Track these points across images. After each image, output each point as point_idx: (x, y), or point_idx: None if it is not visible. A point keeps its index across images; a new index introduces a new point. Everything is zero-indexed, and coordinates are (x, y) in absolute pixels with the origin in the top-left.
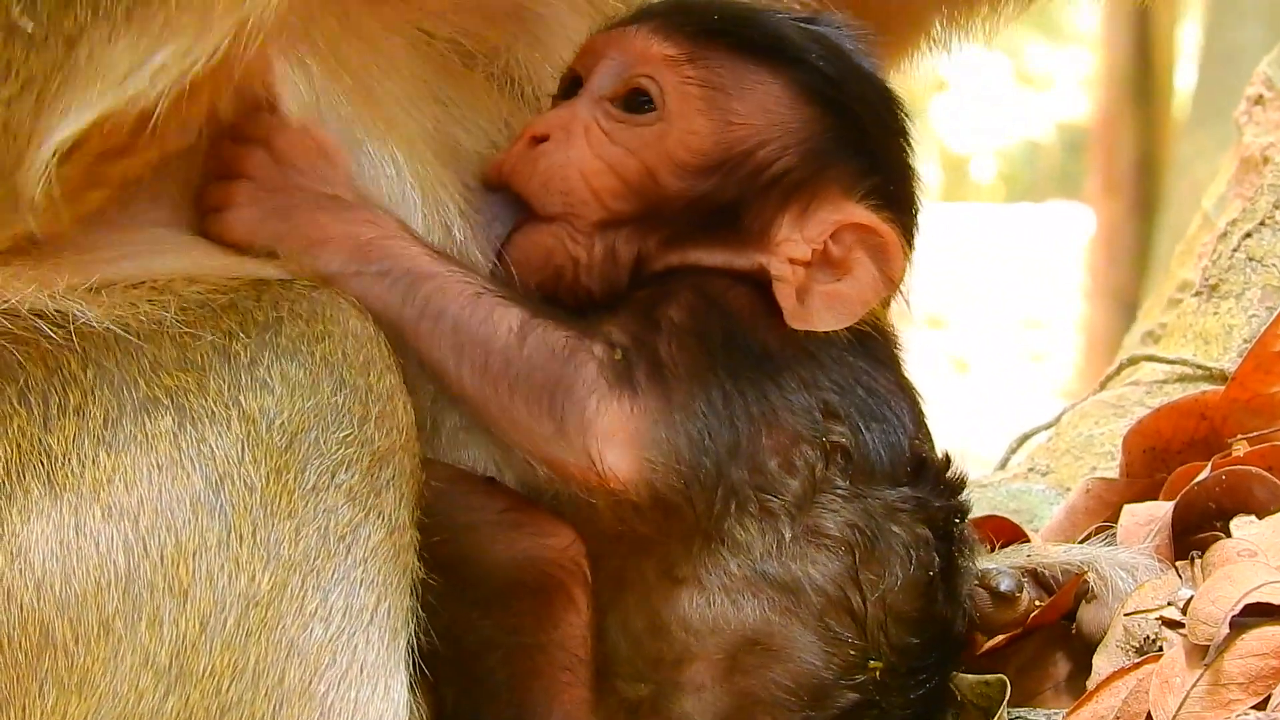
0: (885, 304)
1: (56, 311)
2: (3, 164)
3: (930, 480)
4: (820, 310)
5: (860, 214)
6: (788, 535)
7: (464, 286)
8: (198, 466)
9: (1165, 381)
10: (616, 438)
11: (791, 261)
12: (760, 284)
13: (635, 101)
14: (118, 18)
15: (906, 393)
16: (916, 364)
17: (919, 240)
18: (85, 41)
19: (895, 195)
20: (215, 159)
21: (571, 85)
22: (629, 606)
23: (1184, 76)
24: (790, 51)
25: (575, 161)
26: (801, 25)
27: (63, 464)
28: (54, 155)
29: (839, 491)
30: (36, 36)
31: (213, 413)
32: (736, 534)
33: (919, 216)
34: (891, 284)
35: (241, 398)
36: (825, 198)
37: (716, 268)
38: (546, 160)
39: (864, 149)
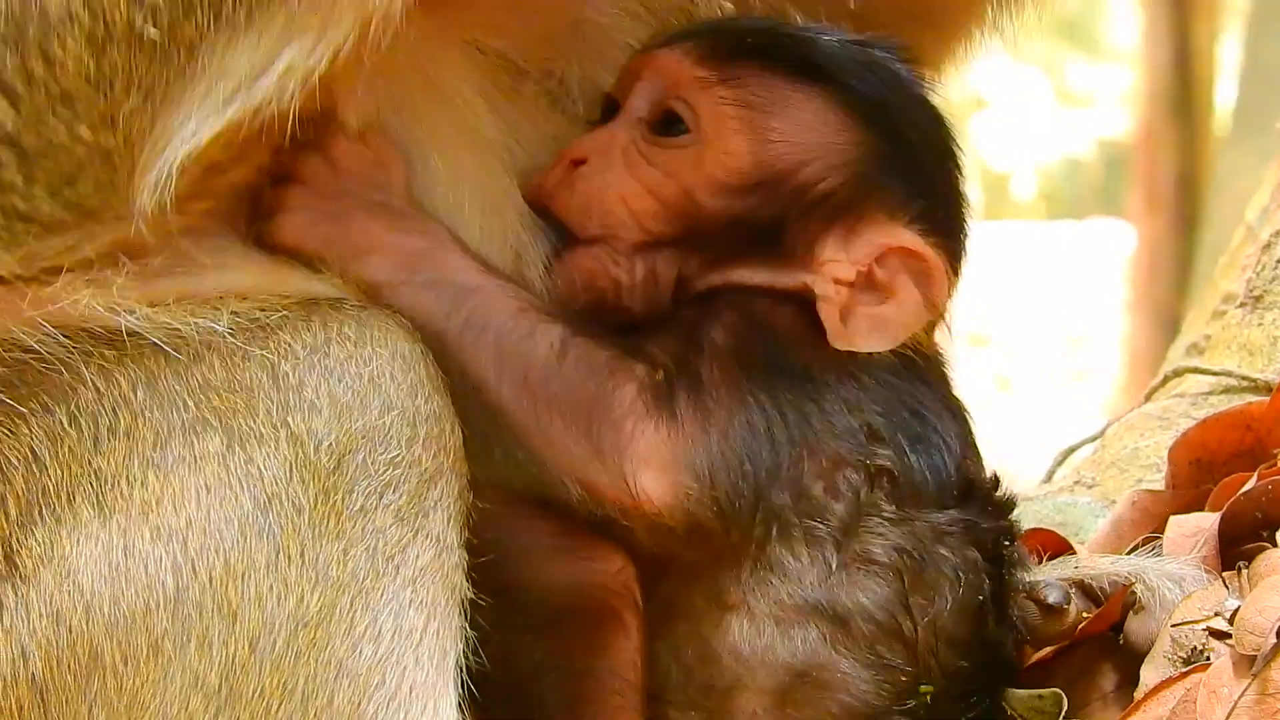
0: (930, 327)
1: (109, 329)
2: (119, 173)
3: (978, 502)
4: (863, 332)
5: (906, 238)
6: (835, 561)
7: (509, 301)
8: (246, 488)
9: (1210, 393)
10: (652, 462)
11: (836, 282)
12: (804, 304)
13: (670, 124)
14: (239, 21)
15: (954, 414)
16: (959, 382)
17: (966, 264)
18: (206, 47)
19: (942, 220)
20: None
21: (610, 108)
22: (679, 633)
23: (1224, 92)
24: (832, 71)
25: (613, 184)
26: (845, 45)
27: (112, 486)
28: (176, 165)
29: (886, 515)
30: (160, 45)
31: (261, 434)
32: (785, 561)
33: (967, 241)
34: (935, 309)
35: (289, 419)
36: (871, 220)
37: (760, 287)
38: (585, 184)
39: (911, 172)
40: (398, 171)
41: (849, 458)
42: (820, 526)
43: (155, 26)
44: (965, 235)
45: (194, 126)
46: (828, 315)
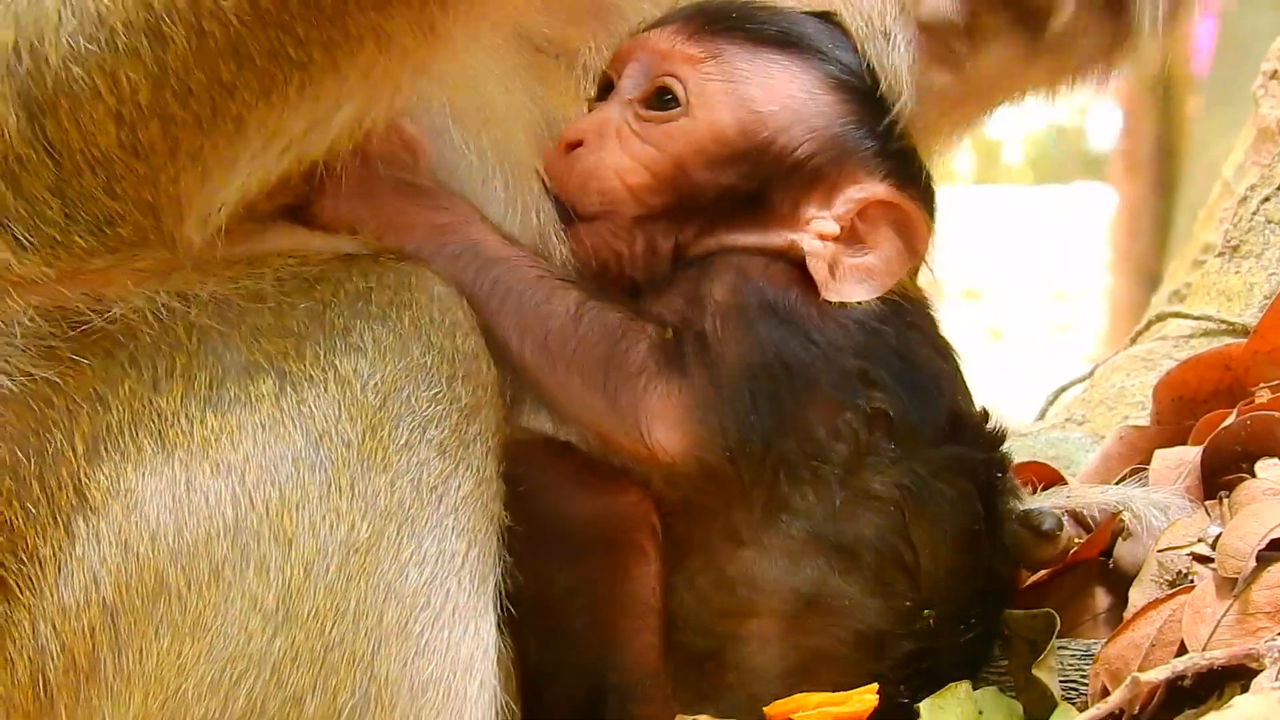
0: (913, 274)
1: (166, 293)
2: (163, 221)
3: (969, 436)
4: (851, 282)
5: (884, 191)
6: (840, 498)
7: (529, 270)
8: (298, 425)
9: (1191, 336)
10: (665, 415)
11: (821, 237)
12: (795, 261)
13: (661, 100)
14: (289, 94)
15: (942, 354)
16: (955, 332)
17: (940, 214)
18: (256, 119)
19: (914, 173)
20: None
21: (605, 89)
22: (695, 566)
23: (1199, 63)
24: (806, 43)
25: (609, 162)
26: (817, 19)
27: (173, 424)
28: (225, 211)
29: (885, 454)
30: (204, 118)
31: (311, 375)
32: (794, 500)
33: (934, 193)
34: (917, 255)
35: (337, 361)
36: (850, 178)
37: (752, 247)
38: (582, 163)
39: (882, 131)
40: (423, 154)
41: (847, 402)
42: (825, 467)
43: (186, 110)
44: (933, 188)
45: (245, 179)
46: (817, 269)
